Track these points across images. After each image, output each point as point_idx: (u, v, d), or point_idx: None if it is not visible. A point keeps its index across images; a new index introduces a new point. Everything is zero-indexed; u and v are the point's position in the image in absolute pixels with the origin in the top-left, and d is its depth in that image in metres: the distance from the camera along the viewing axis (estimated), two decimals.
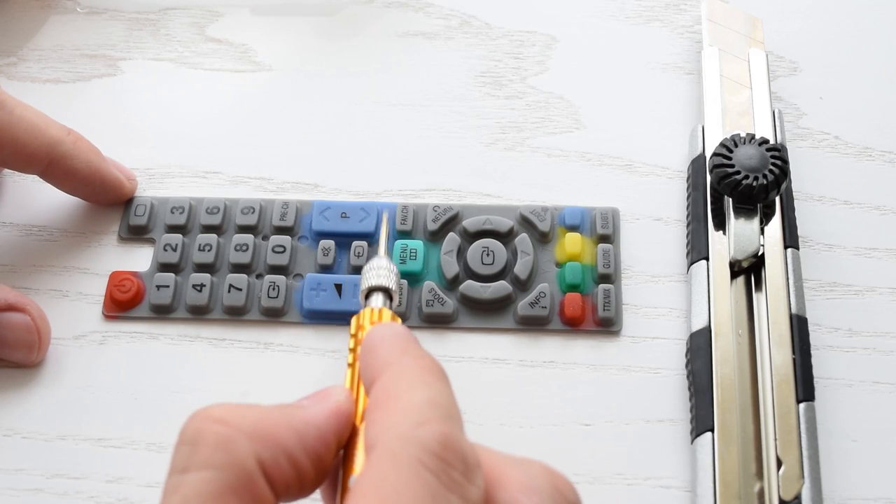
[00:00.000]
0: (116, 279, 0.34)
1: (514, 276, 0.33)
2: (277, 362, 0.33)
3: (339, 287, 0.33)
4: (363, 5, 0.42)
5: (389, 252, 0.32)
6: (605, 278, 0.34)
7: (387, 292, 0.28)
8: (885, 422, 0.32)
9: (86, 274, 0.34)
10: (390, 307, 0.28)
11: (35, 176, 0.34)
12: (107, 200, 0.35)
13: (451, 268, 0.33)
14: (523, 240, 0.34)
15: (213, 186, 0.37)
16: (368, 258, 0.31)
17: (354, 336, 0.27)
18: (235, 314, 0.33)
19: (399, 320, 0.27)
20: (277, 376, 0.32)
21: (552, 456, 0.31)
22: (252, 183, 0.37)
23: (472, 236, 0.34)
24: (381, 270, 0.28)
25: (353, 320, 0.27)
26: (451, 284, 0.33)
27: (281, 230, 0.35)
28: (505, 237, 0.34)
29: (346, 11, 0.42)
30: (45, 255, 0.35)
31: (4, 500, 0.30)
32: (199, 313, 0.33)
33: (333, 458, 0.23)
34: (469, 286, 0.33)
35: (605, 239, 0.34)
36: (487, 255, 0.34)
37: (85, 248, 0.35)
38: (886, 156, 0.38)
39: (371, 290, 0.28)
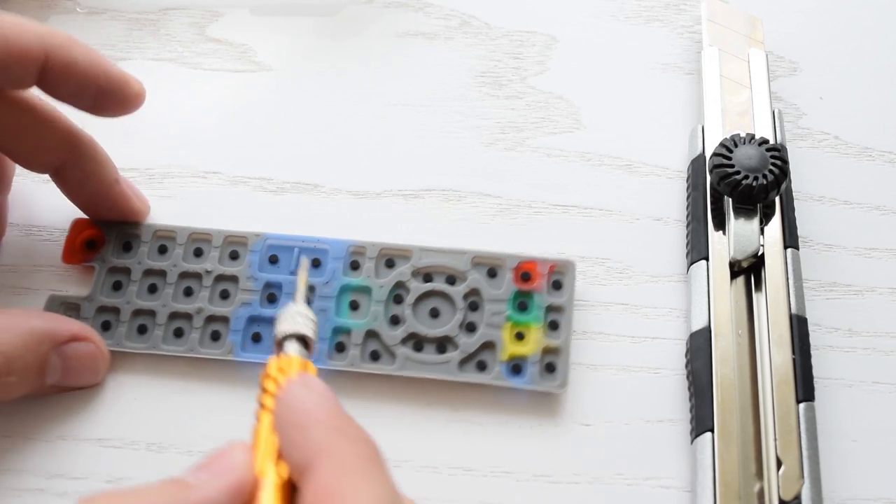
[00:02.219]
0: None
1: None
2: None
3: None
4: (363, 5, 0.42)
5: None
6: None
7: (304, 340, 0.27)
8: (885, 422, 0.32)
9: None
10: (308, 357, 0.27)
11: (35, 176, 0.34)
12: (113, 104, 0.32)
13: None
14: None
15: (213, 186, 0.37)
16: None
17: (268, 378, 0.25)
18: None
19: (315, 371, 0.26)
20: None
21: (552, 456, 0.31)
22: (252, 183, 0.37)
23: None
24: (298, 317, 0.27)
25: (269, 365, 0.26)
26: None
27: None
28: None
29: (346, 11, 0.42)
30: (45, 255, 0.35)
31: (6, 500, 0.30)
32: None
33: None
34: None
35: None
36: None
37: None
38: (886, 156, 0.38)
39: (287, 337, 0.27)
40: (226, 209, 0.36)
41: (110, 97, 0.31)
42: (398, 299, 0.33)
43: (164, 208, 0.36)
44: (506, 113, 0.39)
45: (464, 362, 0.32)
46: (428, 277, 0.33)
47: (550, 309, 0.33)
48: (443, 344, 0.32)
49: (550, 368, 0.32)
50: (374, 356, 0.32)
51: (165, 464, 0.31)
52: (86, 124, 0.35)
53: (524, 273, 0.33)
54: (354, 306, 0.33)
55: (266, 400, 0.25)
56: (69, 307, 0.33)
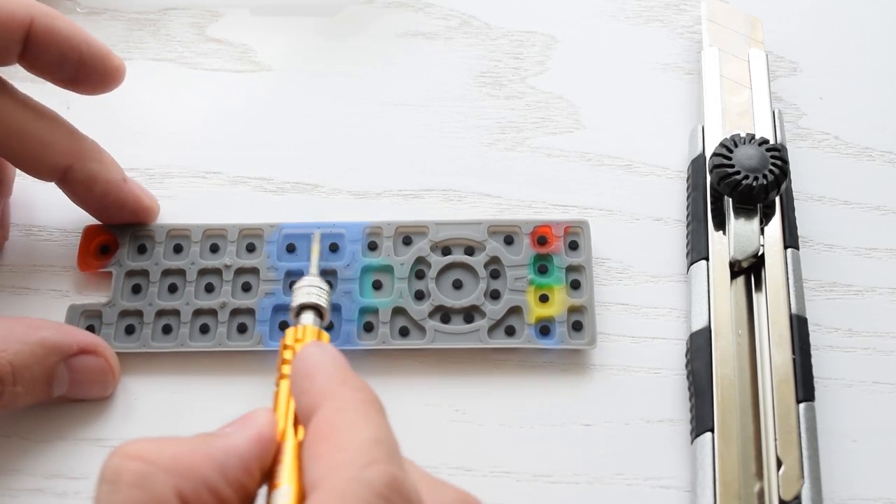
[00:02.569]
0: None
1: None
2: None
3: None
4: (363, 5, 0.42)
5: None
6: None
7: (318, 310, 0.29)
8: (885, 422, 0.32)
9: (85, 274, 0.34)
10: (321, 325, 0.29)
11: (33, 176, 0.34)
12: (94, 77, 0.32)
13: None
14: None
15: (213, 186, 0.37)
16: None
17: (286, 349, 0.27)
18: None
19: (328, 338, 0.28)
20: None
21: (552, 456, 0.31)
22: (252, 183, 0.37)
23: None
24: (312, 289, 0.29)
25: (286, 335, 0.28)
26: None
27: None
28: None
29: (346, 11, 0.42)
30: (45, 255, 0.35)
31: (4, 500, 0.30)
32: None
33: (258, 484, 0.23)
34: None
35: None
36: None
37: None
38: (886, 156, 0.38)
39: (302, 308, 0.29)
40: (226, 209, 0.36)
41: (91, 68, 0.32)
42: (420, 275, 0.34)
43: (164, 209, 0.36)
44: (506, 113, 0.39)
45: (492, 329, 0.33)
46: (447, 250, 0.34)
47: (570, 269, 0.34)
48: (470, 313, 0.33)
49: (577, 327, 0.32)
50: (404, 332, 0.33)
51: None
52: (86, 124, 0.35)
53: (540, 237, 0.34)
54: (377, 286, 0.33)
55: (284, 368, 0.26)
56: (90, 315, 0.33)
